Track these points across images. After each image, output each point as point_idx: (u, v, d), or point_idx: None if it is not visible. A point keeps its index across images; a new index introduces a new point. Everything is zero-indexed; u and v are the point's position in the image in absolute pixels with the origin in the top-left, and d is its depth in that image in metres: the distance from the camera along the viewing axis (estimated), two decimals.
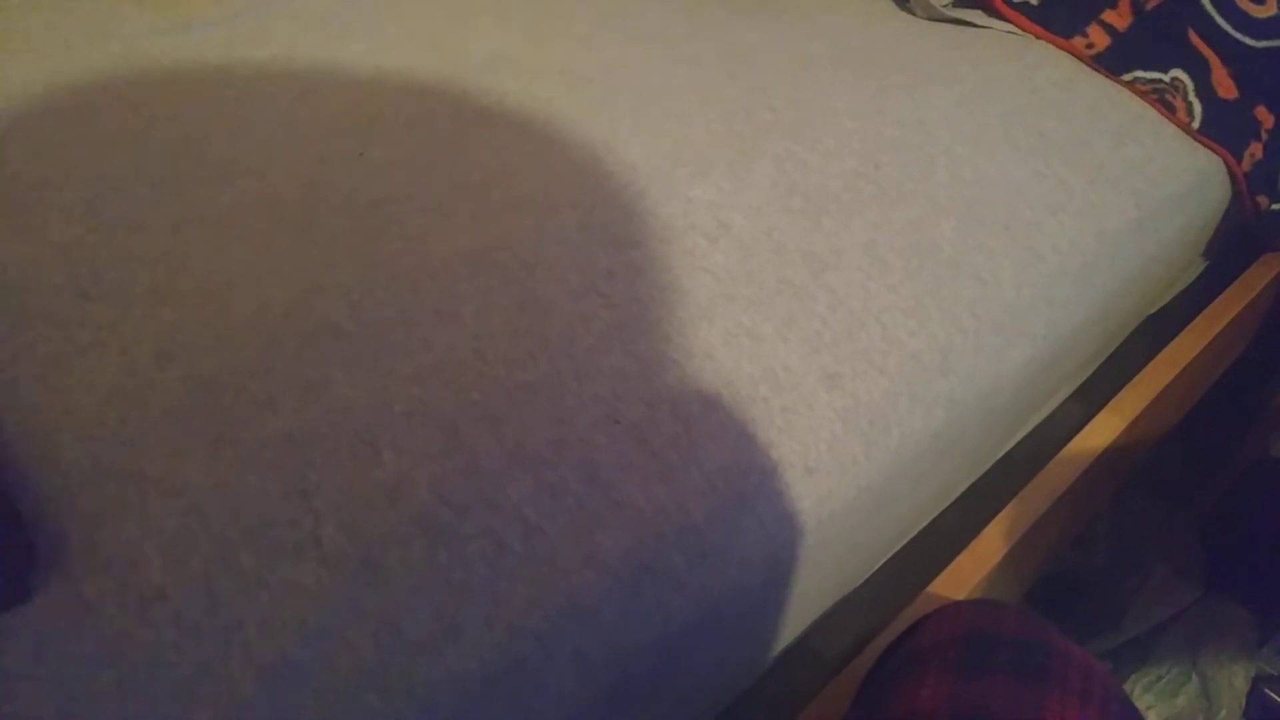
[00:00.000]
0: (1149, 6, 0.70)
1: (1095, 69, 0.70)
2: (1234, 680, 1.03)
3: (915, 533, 0.63)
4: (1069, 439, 0.70)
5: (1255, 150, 0.70)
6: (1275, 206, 0.75)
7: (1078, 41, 0.71)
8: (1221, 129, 0.69)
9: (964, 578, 0.59)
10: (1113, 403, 0.73)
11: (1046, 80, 0.68)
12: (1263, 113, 0.70)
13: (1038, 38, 0.72)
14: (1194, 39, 0.69)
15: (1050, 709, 0.40)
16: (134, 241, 0.44)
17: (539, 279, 0.43)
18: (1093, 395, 0.76)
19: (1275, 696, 1.03)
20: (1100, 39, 0.70)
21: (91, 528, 0.32)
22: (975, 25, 0.74)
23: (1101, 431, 0.71)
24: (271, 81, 0.61)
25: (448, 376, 0.38)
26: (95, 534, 0.32)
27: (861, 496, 0.44)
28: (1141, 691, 1.02)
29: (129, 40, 0.63)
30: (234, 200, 0.49)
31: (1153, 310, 0.85)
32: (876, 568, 0.60)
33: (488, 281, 0.43)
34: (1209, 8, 0.69)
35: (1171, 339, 0.81)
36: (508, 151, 0.54)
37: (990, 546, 0.61)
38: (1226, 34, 0.69)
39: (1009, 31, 0.73)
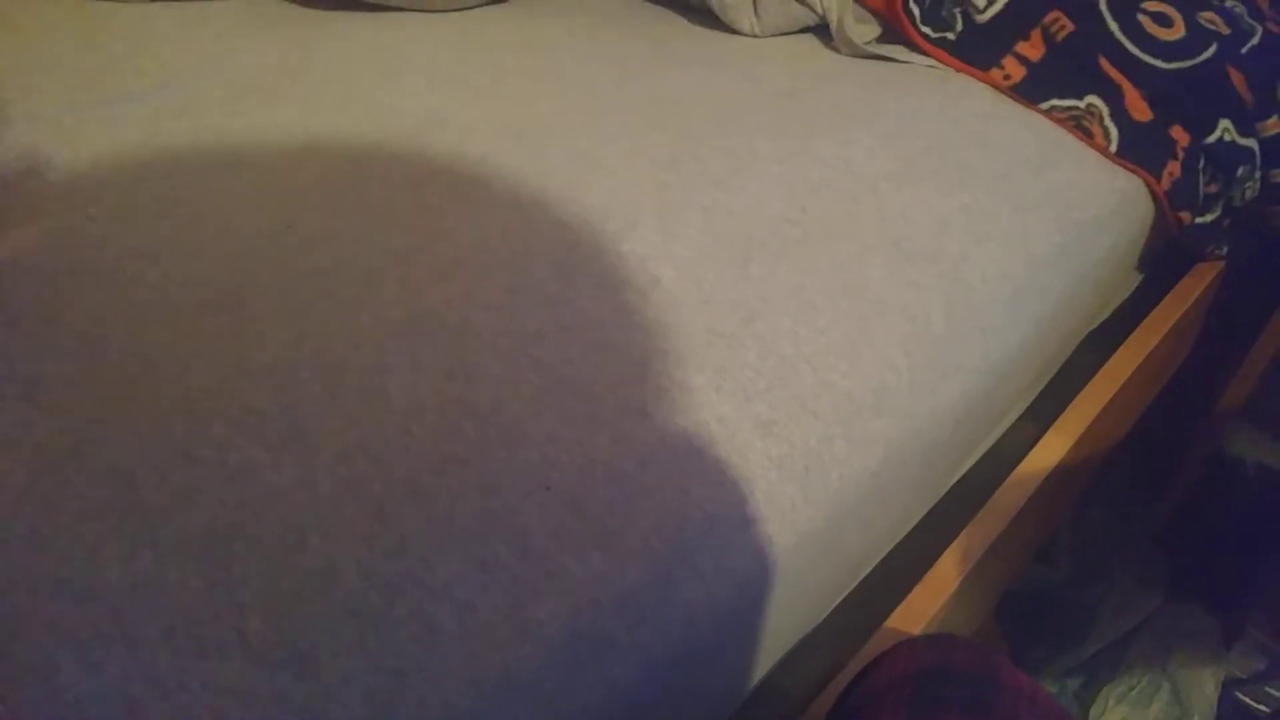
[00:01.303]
0: (1059, 37, 0.72)
1: (1014, 99, 0.72)
2: (1204, 685, 1.04)
3: (873, 567, 0.63)
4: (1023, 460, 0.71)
5: (1173, 169, 0.72)
6: (1199, 220, 0.77)
7: (995, 73, 0.72)
8: (1139, 151, 0.70)
9: (920, 611, 0.60)
10: (1058, 422, 0.74)
11: (968, 112, 0.70)
12: (1178, 132, 0.72)
13: (957, 71, 0.74)
14: (1105, 65, 0.71)
15: None
16: (49, 331, 0.43)
17: (467, 346, 0.43)
18: (1045, 414, 0.77)
19: (1246, 699, 1.04)
20: (1016, 70, 0.72)
21: (3, 640, 0.31)
22: (898, 60, 0.75)
23: (1048, 452, 0.72)
24: (198, 154, 0.60)
25: (374, 454, 0.38)
26: (8, 646, 0.31)
27: (803, 542, 0.44)
28: (1115, 702, 1.03)
29: (51, 119, 0.63)
30: (157, 282, 0.48)
31: (1095, 325, 0.87)
32: (836, 605, 0.60)
33: (415, 352, 0.43)
34: (1118, 34, 0.71)
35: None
36: (438, 214, 0.54)
37: (944, 577, 0.61)
38: (1137, 59, 0.71)
39: (930, 66, 0.75)
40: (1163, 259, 0.91)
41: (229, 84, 0.69)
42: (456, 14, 0.81)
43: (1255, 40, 0.82)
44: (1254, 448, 1.20)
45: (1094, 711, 1.01)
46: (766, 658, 0.51)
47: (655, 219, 0.53)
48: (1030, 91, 0.71)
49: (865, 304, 0.51)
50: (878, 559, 0.63)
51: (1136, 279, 0.93)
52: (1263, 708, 1.01)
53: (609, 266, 0.49)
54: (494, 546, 0.36)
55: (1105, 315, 0.89)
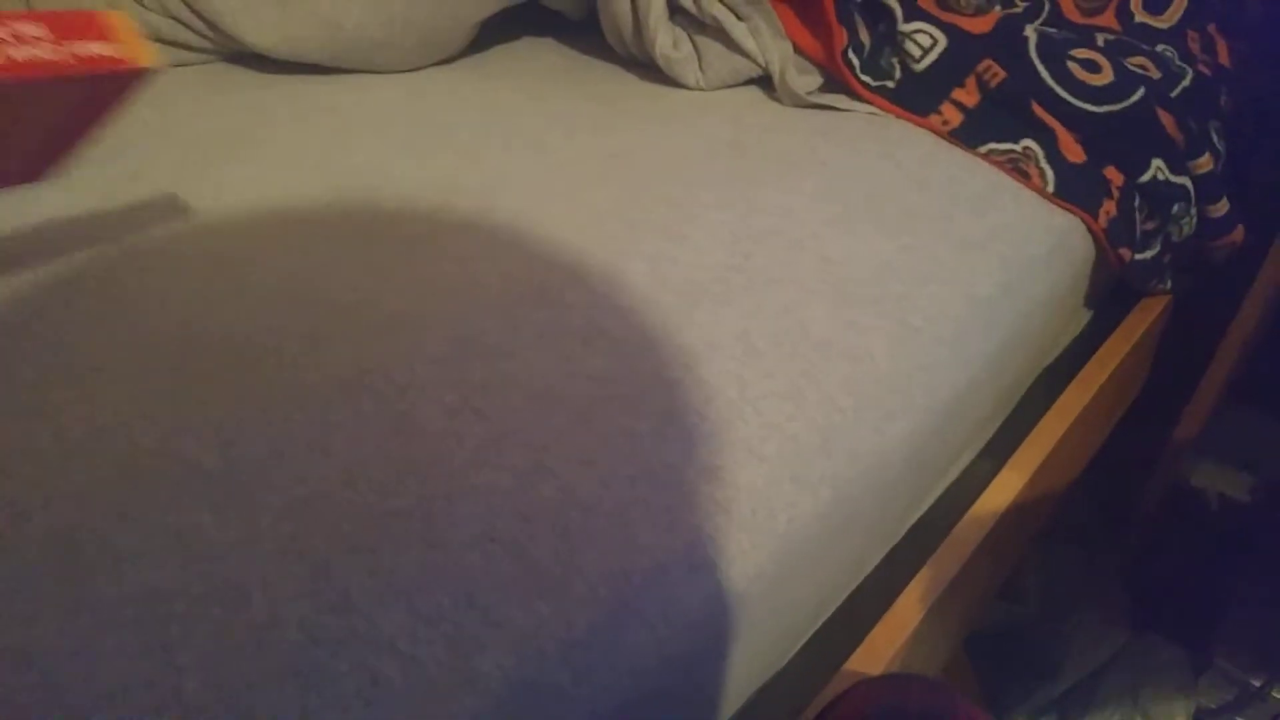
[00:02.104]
0: (993, 84, 0.74)
1: (953, 143, 0.74)
2: (1176, 718, 1.04)
3: (835, 609, 0.63)
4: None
5: (1109, 208, 0.74)
6: (1139, 257, 0.79)
7: (934, 119, 0.75)
8: (1075, 191, 0.73)
9: (880, 651, 0.60)
10: (1012, 460, 0.75)
11: (909, 157, 0.72)
12: (1112, 172, 0.75)
13: (897, 117, 0.76)
14: (1037, 110, 0.74)
15: None
16: None
17: (411, 400, 0.43)
18: (1003, 452, 0.78)
19: None
20: (954, 116, 0.74)
21: None
22: (839, 109, 0.78)
23: (1004, 489, 0.72)
24: (150, 219, 0.61)
25: (318, 510, 0.38)
26: None
27: (754, 586, 0.45)
28: None
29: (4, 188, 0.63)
30: (105, 345, 0.48)
31: (1048, 362, 0.88)
32: (798, 648, 0.60)
33: (359, 407, 0.43)
34: (1048, 80, 0.74)
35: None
36: (386, 271, 0.54)
37: (904, 617, 0.62)
38: (1068, 103, 0.74)
39: (871, 113, 0.77)
40: (1112, 296, 0.94)
41: (183, 148, 0.70)
42: (407, 73, 0.83)
43: (1186, 82, 0.85)
44: (1216, 479, 1.22)
45: None
46: (726, 704, 0.51)
47: (599, 269, 0.54)
48: (968, 136, 0.74)
49: (809, 346, 0.52)
50: (838, 601, 0.63)
51: (1086, 316, 0.95)
52: None
53: (553, 317, 0.50)
54: (437, 599, 0.36)
55: (1057, 352, 0.91)
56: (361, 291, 0.52)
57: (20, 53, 0.40)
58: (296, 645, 0.34)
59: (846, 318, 0.55)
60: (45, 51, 0.41)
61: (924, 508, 0.71)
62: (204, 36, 0.79)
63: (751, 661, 0.51)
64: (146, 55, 0.45)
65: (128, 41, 0.44)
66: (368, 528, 0.38)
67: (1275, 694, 1.01)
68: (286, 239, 0.58)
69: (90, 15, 0.43)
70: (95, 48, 0.43)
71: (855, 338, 0.55)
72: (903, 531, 0.68)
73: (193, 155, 0.68)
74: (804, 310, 0.54)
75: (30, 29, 0.41)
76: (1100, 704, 1.05)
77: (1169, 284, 0.89)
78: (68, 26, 0.42)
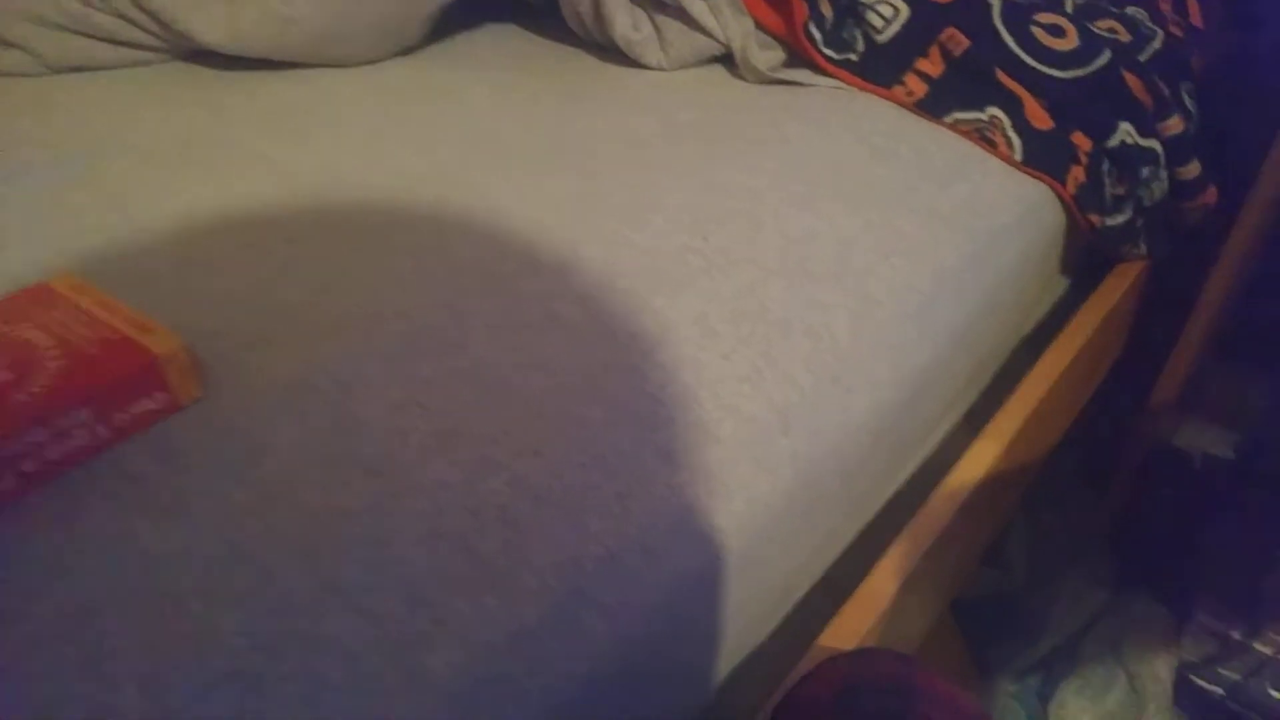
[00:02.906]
0: (957, 53, 0.73)
1: (918, 114, 0.73)
2: (1159, 672, 1.04)
3: (809, 587, 0.62)
4: None
5: (1078, 174, 0.73)
6: (1109, 222, 0.79)
7: (898, 91, 0.74)
8: (1042, 158, 0.72)
9: (854, 626, 0.59)
10: (987, 429, 0.74)
11: (873, 130, 0.71)
12: (1080, 138, 0.74)
13: (861, 90, 0.75)
14: (1003, 77, 0.73)
15: None
16: None
17: (356, 398, 0.43)
18: (983, 423, 0.77)
19: (1200, 681, 1.04)
20: (918, 87, 0.73)
21: None
22: (803, 84, 0.76)
23: (979, 460, 0.72)
24: (99, 225, 0.59)
25: (259, 514, 0.37)
26: None
27: (713, 568, 0.44)
28: (1074, 695, 1.03)
29: None
30: None
31: (1026, 332, 0.88)
32: (774, 627, 0.59)
33: (304, 408, 0.42)
34: (1013, 47, 0.73)
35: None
36: (338, 267, 0.53)
37: (878, 591, 0.61)
38: (1033, 69, 0.73)
39: (835, 87, 0.76)
40: (1089, 263, 0.93)
41: (130, 153, 0.68)
42: (365, 66, 0.81)
43: (1157, 44, 0.84)
44: (1200, 438, 1.22)
45: (1053, 707, 1.01)
46: (703, 681, 0.50)
47: (554, 257, 0.53)
48: (933, 106, 0.73)
49: (768, 326, 0.52)
50: (811, 579, 0.62)
51: (1063, 284, 0.94)
52: (1217, 689, 1.02)
53: (505, 307, 0.49)
54: (381, 598, 0.36)
55: (1035, 322, 0.90)
56: (310, 290, 0.51)
57: (60, 449, 0.38)
58: (235, 650, 0.34)
59: (807, 295, 0.55)
60: (87, 438, 0.39)
61: (900, 481, 0.71)
62: (155, 35, 0.78)
63: (720, 642, 0.50)
64: (194, 388, 0.43)
65: (175, 381, 0.42)
66: (311, 530, 0.37)
67: (1256, 646, 1.01)
68: (237, 239, 0.57)
69: (142, 370, 0.40)
70: (143, 404, 0.41)
71: (816, 315, 0.54)
72: (878, 506, 0.68)
73: (144, 159, 0.67)
74: (763, 290, 0.53)
75: (74, 418, 0.38)
76: (1084, 663, 1.05)
77: (1144, 248, 0.88)
78: (114, 393, 0.39)
